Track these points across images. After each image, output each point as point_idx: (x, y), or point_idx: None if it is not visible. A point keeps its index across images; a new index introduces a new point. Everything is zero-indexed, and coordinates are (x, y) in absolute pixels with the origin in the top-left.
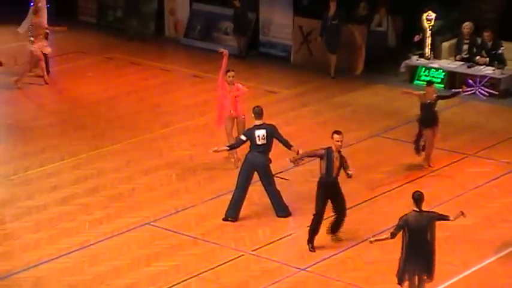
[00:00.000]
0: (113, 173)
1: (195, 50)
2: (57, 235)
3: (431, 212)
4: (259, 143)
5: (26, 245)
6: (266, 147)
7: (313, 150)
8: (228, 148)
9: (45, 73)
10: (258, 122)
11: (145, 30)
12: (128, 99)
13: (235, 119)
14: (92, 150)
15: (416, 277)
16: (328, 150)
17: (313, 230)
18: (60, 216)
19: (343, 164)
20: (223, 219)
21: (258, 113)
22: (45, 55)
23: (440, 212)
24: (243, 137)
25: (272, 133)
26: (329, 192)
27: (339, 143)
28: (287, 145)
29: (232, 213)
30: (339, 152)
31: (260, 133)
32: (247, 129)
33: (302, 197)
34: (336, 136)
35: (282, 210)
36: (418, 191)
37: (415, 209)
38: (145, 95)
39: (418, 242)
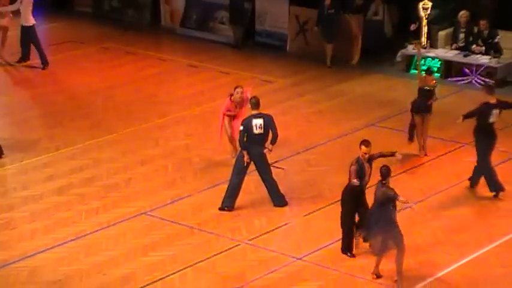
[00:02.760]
0: (109, 163)
1: (191, 39)
2: (53, 225)
3: (389, 190)
4: (256, 132)
5: (22, 235)
6: (263, 137)
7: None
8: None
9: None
10: (255, 112)
11: (141, 20)
12: (124, 89)
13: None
14: (88, 140)
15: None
16: (359, 160)
17: (348, 237)
18: (56, 206)
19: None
20: (220, 209)
21: (255, 103)
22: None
23: (398, 194)
24: (241, 127)
25: (269, 123)
26: (357, 199)
27: (366, 156)
28: (273, 139)
29: (229, 203)
30: (368, 161)
31: (257, 122)
32: (244, 118)
33: (298, 186)
34: (363, 148)
35: (278, 199)
36: (385, 166)
37: (381, 181)
38: (141, 85)
39: (377, 209)
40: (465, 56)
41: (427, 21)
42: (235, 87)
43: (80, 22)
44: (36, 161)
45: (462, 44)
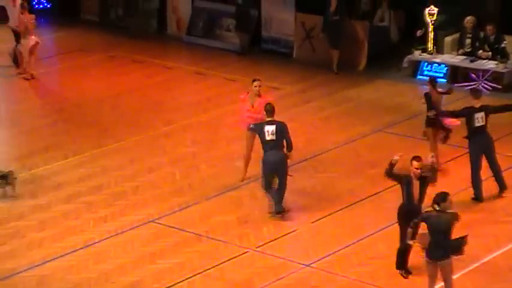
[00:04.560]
0: (116, 171)
1: (197, 47)
2: (61, 233)
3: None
4: (267, 138)
5: (31, 243)
6: (276, 143)
7: (397, 173)
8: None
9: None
10: (269, 119)
11: (147, 28)
12: (130, 97)
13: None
14: (96, 148)
15: None
16: (408, 179)
17: (403, 255)
18: (64, 215)
19: (425, 189)
20: (277, 213)
21: (270, 110)
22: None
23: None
24: (252, 126)
25: (282, 129)
26: (410, 219)
27: (418, 171)
28: (288, 147)
29: (279, 207)
30: (421, 178)
31: (270, 128)
32: (258, 123)
33: (306, 193)
34: (414, 163)
35: (279, 204)
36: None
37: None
38: (148, 93)
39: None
40: (472, 61)
41: (433, 27)
42: (254, 80)
43: (86, 31)
44: (44, 169)
45: (468, 50)
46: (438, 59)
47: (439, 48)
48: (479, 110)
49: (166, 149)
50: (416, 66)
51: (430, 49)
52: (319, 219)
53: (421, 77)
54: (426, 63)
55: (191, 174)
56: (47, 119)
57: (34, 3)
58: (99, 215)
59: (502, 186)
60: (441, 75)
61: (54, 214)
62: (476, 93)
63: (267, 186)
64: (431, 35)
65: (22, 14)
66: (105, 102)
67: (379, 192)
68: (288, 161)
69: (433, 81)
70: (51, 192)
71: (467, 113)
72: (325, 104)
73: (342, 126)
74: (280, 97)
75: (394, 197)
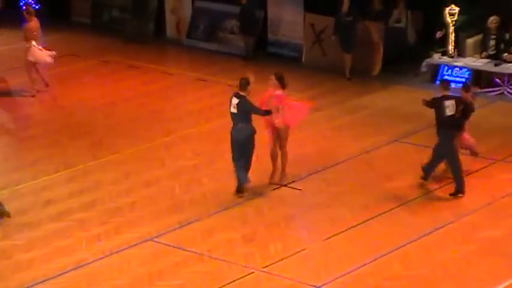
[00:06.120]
0: (111, 186)
1: (199, 51)
2: (51, 254)
3: None
4: (232, 110)
5: (19, 264)
6: (237, 117)
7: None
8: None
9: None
10: (237, 91)
11: (145, 30)
12: (126, 106)
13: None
14: (89, 161)
15: None
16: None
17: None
18: (54, 233)
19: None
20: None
21: (242, 84)
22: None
23: None
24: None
25: (243, 104)
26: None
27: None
28: (262, 113)
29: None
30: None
31: (234, 101)
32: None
33: (316, 208)
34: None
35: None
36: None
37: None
38: (146, 101)
39: None
40: (496, 65)
41: (454, 28)
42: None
43: (78, 34)
44: (33, 184)
45: (493, 52)
46: (459, 62)
47: (460, 51)
48: (448, 97)
49: (165, 161)
50: (435, 71)
51: (450, 52)
52: (331, 236)
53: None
54: (446, 67)
55: (192, 189)
56: (36, 130)
57: (21, 4)
58: (92, 234)
59: None
60: (463, 80)
61: (44, 233)
62: (444, 83)
63: (235, 159)
64: (451, 37)
65: (30, 21)
66: (98, 111)
67: (395, 208)
68: (297, 174)
69: (467, 86)
70: (40, 209)
71: (438, 102)
72: (336, 112)
73: (355, 136)
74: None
75: (411, 212)
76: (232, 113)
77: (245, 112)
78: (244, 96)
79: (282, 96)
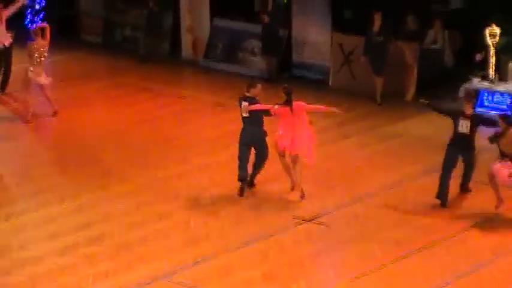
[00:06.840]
0: (120, 218)
1: (217, 73)
2: None
3: None
4: (243, 114)
5: None
6: (249, 120)
7: None
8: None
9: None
10: (247, 93)
11: (159, 50)
12: (139, 131)
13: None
14: (97, 190)
15: None
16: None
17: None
18: (59, 270)
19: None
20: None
21: (250, 85)
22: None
23: None
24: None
25: (252, 102)
26: None
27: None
28: (267, 113)
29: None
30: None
31: (243, 104)
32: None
33: (345, 244)
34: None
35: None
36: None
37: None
38: (159, 126)
39: None
40: None
41: (495, 51)
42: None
43: (87, 53)
44: (37, 216)
45: None
46: (501, 87)
47: (501, 76)
48: (467, 117)
49: (179, 192)
50: (474, 96)
51: (491, 76)
52: (360, 276)
53: (480, 109)
54: (487, 93)
55: (208, 223)
56: (40, 157)
57: (27, 21)
58: (99, 270)
59: None
60: (504, 107)
61: (47, 268)
62: (469, 97)
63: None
64: (492, 60)
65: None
66: (108, 137)
67: (430, 244)
68: (324, 207)
69: (506, 117)
70: (43, 242)
71: (455, 117)
72: (367, 140)
73: (387, 166)
74: (314, 132)
75: (449, 250)
76: (243, 117)
77: (257, 116)
78: (253, 98)
79: (303, 106)
